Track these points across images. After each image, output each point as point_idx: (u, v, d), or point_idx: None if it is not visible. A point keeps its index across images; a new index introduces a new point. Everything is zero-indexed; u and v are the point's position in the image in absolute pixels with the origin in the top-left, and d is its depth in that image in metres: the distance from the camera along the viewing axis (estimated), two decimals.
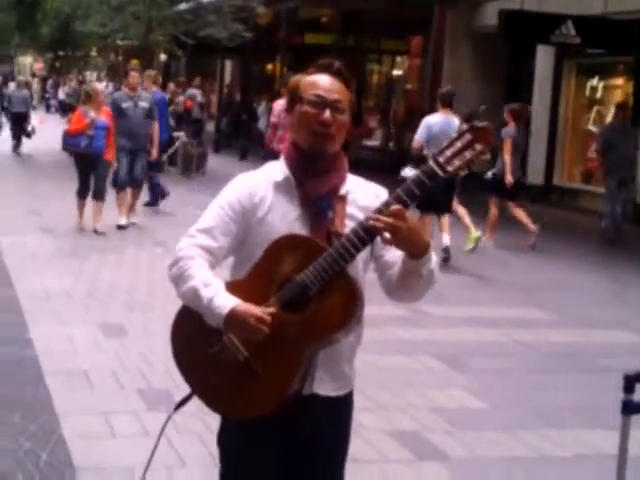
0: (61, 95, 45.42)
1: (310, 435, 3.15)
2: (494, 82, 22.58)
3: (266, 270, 2.97)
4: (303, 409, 3.06)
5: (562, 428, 6.30)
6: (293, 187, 3.06)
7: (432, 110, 13.01)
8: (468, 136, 2.83)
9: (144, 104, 14.04)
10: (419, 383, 7.10)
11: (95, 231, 12.82)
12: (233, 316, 2.88)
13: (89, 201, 13.31)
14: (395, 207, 2.81)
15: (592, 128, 20.01)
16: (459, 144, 2.83)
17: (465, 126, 2.86)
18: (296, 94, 3.07)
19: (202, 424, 5.34)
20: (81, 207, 13.29)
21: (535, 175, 20.63)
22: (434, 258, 2.98)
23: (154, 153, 14.60)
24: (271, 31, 29.32)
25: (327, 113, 2.99)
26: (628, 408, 3.71)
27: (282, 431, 3.10)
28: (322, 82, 3.04)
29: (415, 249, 2.89)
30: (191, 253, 3.02)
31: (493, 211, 13.78)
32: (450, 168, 2.82)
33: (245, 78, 34.36)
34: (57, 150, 25.31)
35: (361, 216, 2.99)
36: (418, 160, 11.84)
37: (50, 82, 52.43)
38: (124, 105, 13.87)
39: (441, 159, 2.82)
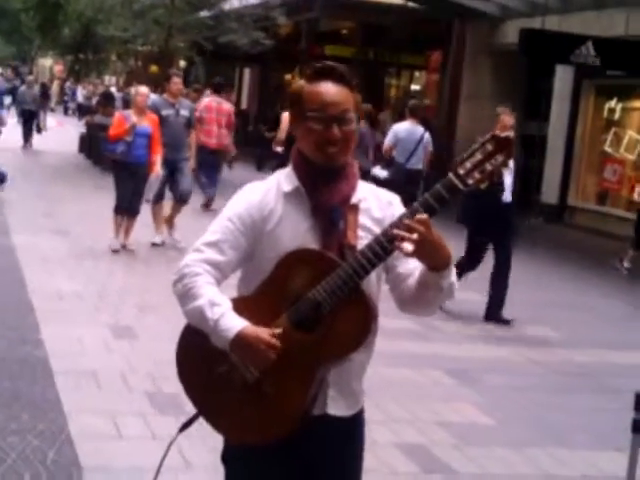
0: (80, 98, 45.60)
1: (321, 457, 3.02)
2: (512, 100, 22.53)
3: (276, 286, 2.84)
4: (313, 430, 2.91)
5: (570, 448, 6.28)
6: (304, 197, 2.91)
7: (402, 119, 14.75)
8: (489, 147, 2.67)
9: (185, 113, 13.04)
10: (428, 397, 7.08)
11: (123, 246, 11.94)
12: (240, 340, 2.75)
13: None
14: (420, 215, 2.67)
15: (608, 149, 19.99)
16: (479, 155, 2.67)
17: (487, 136, 2.70)
18: (299, 106, 2.90)
19: (209, 427, 5.32)
20: (118, 225, 12.05)
21: (550, 194, 20.62)
22: (454, 271, 2.85)
23: (192, 163, 13.76)
24: (291, 41, 29.41)
25: (335, 129, 2.83)
26: (638, 427, 3.69)
27: (292, 453, 2.96)
28: (326, 94, 2.86)
29: (437, 261, 2.75)
30: (197, 269, 2.87)
31: None
32: (470, 181, 2.67)
33: (263, 87, 34.45)
34: (73, 152, 25.56)
35: (374, 226, 2.89)
36: (388, 162, 13.94)
37: (68, 84, 52.61)
38: (164, 112, 12.70)
39: (461, 171, 2.67)
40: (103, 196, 15.83)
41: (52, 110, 46.48)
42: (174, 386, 6.77)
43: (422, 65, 27.95)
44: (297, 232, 2.88)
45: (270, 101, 33.22)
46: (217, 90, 17.11)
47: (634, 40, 17.39)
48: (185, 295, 2.88)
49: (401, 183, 12.44)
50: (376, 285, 2.96)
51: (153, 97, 13.35)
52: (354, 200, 2.93)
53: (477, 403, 7.03)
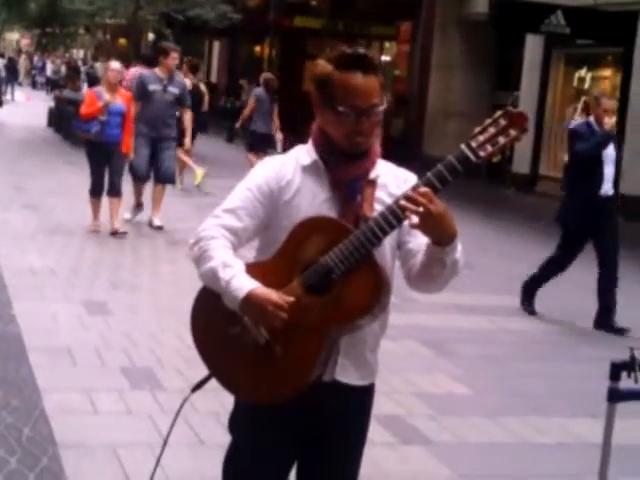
0: (48, 72, 45.26)
1: (329, 424, 3.07)
2: (483, 70, 22.59)
3: (290, 252, 2.89)
4: (323, 396, 2.98)
5: (545, 415, 6.32)
6: (322, 171, 2.98)
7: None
8: (502, 121, 2.72)
9: (174, 90, 12.23)
10: (404, 368, 7.09)
11: (115, 232, 11.26)
12: (249, 300, 2.81)
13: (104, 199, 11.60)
14: (424, 189, 2.72)
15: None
16: (493, 129, 2.72)
17: (500, 111, 2.74)
18: (328, 92, 2.91)
19: (187, 403, 5.32)
20: (95, 207, 11.49)
21: (521, 164, 20.68)
22: (460, 248, 2.88)
23: (187, 143, 13.23)
24: (260, 13, 29.24)
25: (364, 123, 2.89)
26: (614, 395, 3.70)
27: (300, 417, 3.02)
28: (357, 87, 2.88)
29: (442, 235, 2.78)
30: (213, 233, 2.95)
31: (251, 159, 16.19)
32: (483, 153, 2.71)
33: (232, 60, 34.29)
34: (42, 126, 25.36)
35: (389, 200, 2.90)
36: None
37: (36, 59, 52.20)
38: (151, 87, 12.06)
39: (474, 144, 2.72)
40: (73, 170, 15.76)
41: (20, 84, 46.07)
42: (149, 361, 6.79)
43: (392, 36, 27.86)
44: (314, 203, 2.95)
45: (239, 74, 33.07)
46: (147, 63, 17.42)
47: (603, 9, 17.42)
48: (200, 257, 2.95)
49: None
50: (390, 260, 3.01)
51: (144, 71, 12.84)
52: (372, 175, 2.99)
53: (453, 373, 7.05)
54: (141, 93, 12.08)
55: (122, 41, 42.18)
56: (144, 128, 12.00)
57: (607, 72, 20.04)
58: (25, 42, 65.58)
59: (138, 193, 12.45)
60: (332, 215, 2.92)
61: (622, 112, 17.93)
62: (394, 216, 2.76)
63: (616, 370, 3.71)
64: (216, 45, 38.28)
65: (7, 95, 39.78)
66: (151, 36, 37.25)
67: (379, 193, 2.96)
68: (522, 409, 6.39)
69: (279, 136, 17.65)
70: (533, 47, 20.46)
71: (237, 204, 2.98)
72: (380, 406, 6.12)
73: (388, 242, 2.91)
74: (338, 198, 2.95)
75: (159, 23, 27.90)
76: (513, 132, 2.72)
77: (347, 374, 3.01)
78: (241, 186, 3.03)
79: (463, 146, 2.73)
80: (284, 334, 2.84)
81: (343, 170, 2.95)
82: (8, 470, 4.74)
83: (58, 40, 49.85)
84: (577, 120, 11.71)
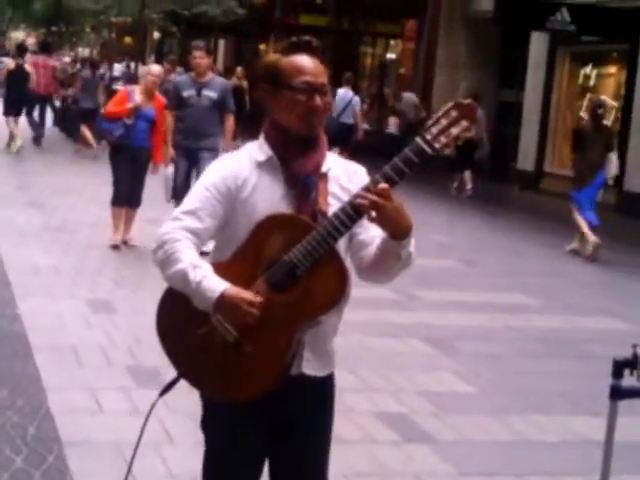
0: None
1: (298, 416, 3.12)
2: (488, 67, 22.56)
3: (253, 250, 2.95)
4: (291, 390, 3.03)
5: (548, 414, 6.33)
6: (277, 167, 3.03)
7: None
8: (454, 113, 2.82)
9: (211, 93, 10.68)
10: (407, 366, 7.11)
11: (124, 243, 10.67)
12: (223, 300, 2.87)
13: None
14: (381, 185, 2.79)
15: (584, 115, 20.02)
16: (444, 121, 2.81)
17: (450, 104, 2.85)
18: (278, 77, 3.01)
19: (191, 401, 5.31)
20: (117, 218, 10.69)
21: (526, 161, 20.66)
22: (413, 241, 2.96)
23: (228, 141, 11.17)
24: (266, 11, 29.27)
25: (317, 100, 2.98)
26: (616, 393, 3.72)
27: (270, 413, 3.08)
28: (307, 66, 3.00)
29: (398, 230, 2.87)
30: (177, 236, 2.98)
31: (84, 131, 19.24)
32: (437, 145, 2.81)
33: (238, 58, 34.28)
34: (47, 125, 25.32)
35: (342, 193, 3.00)
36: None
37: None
38: (185, 93, 10.69)
39: (428, 136, 2.81)
40: (77, 170, 15.79)
41: None
42: (155, 360, 6.79)
43: (397, 33, 27.85)
44: (271, 200, 2.99)
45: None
46: (47, 51, 22.92)
47: (609, 6, 17.40)
48: (167, 260, 2.97)
49: (333, 131, 16.03)
50: (344, 252, 3.06)
51: (179, 76, 12.34)
52: (324, 169, 3.05)
53: (456, 371, 7.07)
54: (175, 100, 10.88)
55: (128, 39, 42.21)
56: (179, 138, 10.79)
57: (612, 69, 19.98)
58: (31, 41, 65.53)
59: None
60: (290, 211, 2.98)
61: (627, 109, 17.96)
62: (354, 210, 2.83)
63: (618, 367, 3.72)
64: (221, 43, 38.30)
65: None
66: (156, 34, 37.27)
67: (331, 186, 3.03)
68: (525, 407, 6.40)
69: (102, 111, 20.06)
70: (538, 44, 20.41)
71: (197, 205, 3.01)
72: (383, 403, 6.18)
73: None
74: (294, 194, 3.01)
75: (165, 21, 27.89)
76: (464, 123, 2.81)
77: (312, 366, 3.07)
78: (199, 186, 3.07)
79: (418, 139, 2.82)
80: (253, 332, 2.90)
81: (298, 165, 3.00)
82: (14, 469, 4.78)
83: (64, 39, 49.77)
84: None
